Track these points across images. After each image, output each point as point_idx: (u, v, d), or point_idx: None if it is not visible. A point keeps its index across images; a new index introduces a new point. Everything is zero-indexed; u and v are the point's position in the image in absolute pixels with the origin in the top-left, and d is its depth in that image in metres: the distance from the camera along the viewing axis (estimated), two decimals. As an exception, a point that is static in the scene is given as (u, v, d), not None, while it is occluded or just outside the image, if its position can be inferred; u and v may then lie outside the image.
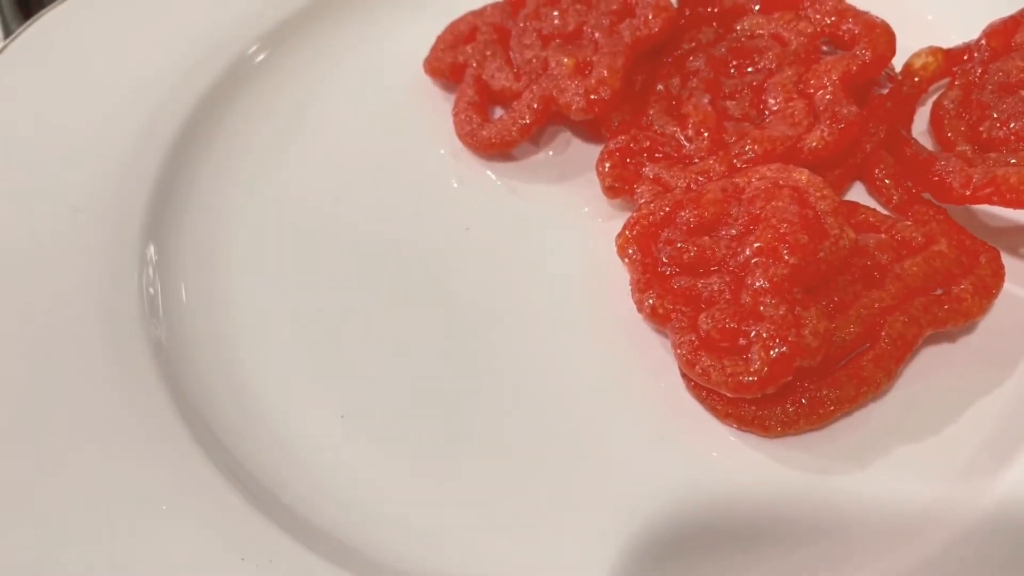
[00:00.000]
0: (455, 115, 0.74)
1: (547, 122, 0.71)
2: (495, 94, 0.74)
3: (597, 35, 0.70)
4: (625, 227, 0.62)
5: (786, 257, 0.55)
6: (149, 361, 0.59)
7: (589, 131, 0.74)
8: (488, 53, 0.75)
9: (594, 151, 0.69)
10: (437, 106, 0.77)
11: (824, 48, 0.70)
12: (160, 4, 0.79)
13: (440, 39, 0.78)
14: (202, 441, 0.56)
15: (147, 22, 0.78)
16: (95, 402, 0.57)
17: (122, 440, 0.55)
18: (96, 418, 0.56)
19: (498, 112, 0.75)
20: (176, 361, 0.60)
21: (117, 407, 0.57)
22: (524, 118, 0.70)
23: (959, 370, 0.59)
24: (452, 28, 0.78)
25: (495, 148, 0.71)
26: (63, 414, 0.56)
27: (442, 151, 0.74)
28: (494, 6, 0.78)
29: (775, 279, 0.55)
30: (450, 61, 0.76)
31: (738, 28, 0.71)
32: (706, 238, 0.60)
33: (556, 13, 0.73)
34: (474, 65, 0.75)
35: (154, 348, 0.60)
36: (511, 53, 0.74)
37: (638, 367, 0.61)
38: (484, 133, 0.72)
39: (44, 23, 0.76)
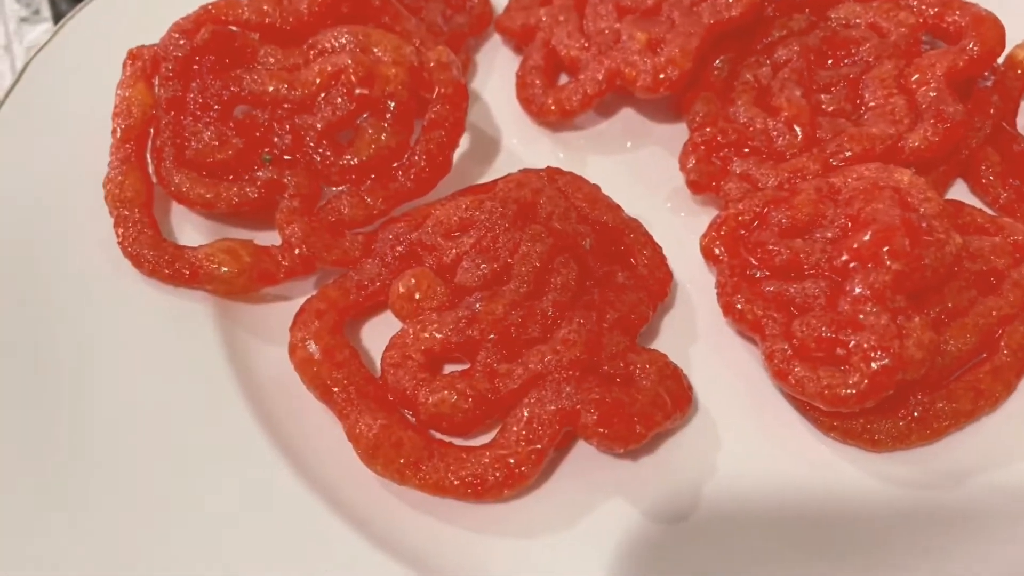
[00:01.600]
0: (518, 77, 0.72)
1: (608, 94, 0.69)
2: (562, 61, 0.72)
3: (675, 13, 0.67)
4: (712, 227, 0.60)
5: (888, 263, 0.52)
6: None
7: (672, 120, 0.71)
8: (562, 18, 0.72)
9: (678, 142, 0.66)
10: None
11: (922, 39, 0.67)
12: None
13: None
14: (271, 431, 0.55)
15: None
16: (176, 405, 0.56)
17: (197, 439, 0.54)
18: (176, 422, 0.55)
19: (564, 80, 0.73)
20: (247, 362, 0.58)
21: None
22: (587, 88, 0.68)
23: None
24: None
25: (554, 116, 0.69)
26: (148, 417, 0.55)
27: (515, 141, 0.72)
28: (577, -30, 0.76)
29: (876, 286, 0.52)
30: (521, 22, 0.74)
31: (833, 16, 0.68)
32: (799, 240, 0.56)
33: None
34: (545, 29, 0.73)
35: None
36: (585, 22, 0.71)
37: (722, 374, 0.58)
38: (545, 99, 0.70)
39: (99, 2, 0.74)
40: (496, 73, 0.76)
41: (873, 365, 0.50)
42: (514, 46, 0.77)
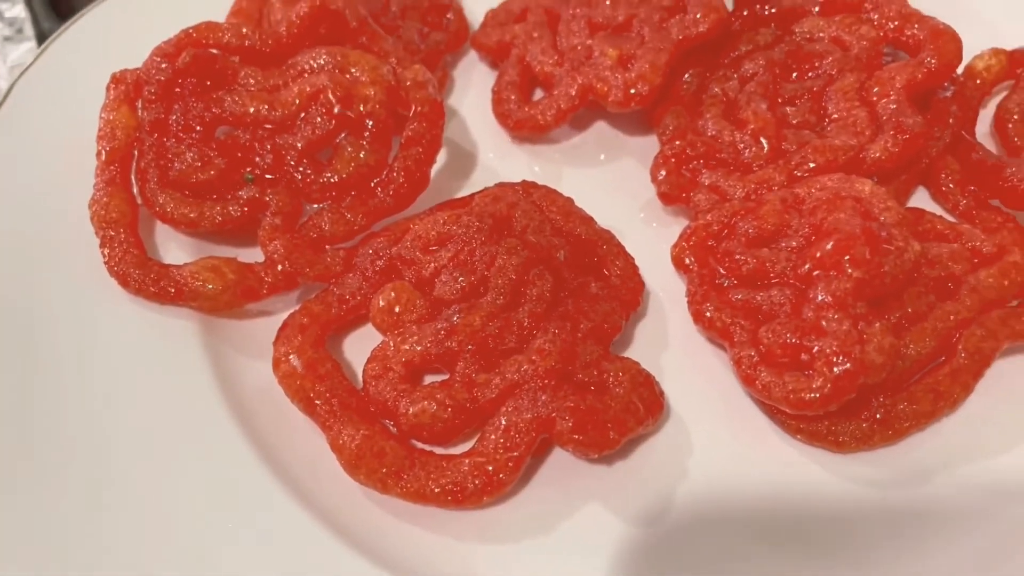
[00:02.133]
0: (494, 92, 0.74)
1: (581, 108, 0.71)
2: (536, 77, 0.74)
3: (645, 29, 0.69)
4: (682, 237, 0.62)
5: (849, 271, 0.54)
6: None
7: (644, 133, 0.73)
8: (536, 35, 0.74)
9: (651, 153, 0.68)
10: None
11: (885, 50, 0.69)
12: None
13: (492, 15, 0.79)
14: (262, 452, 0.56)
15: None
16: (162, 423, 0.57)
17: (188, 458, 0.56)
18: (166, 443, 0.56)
19: (539, 94, 0.75)
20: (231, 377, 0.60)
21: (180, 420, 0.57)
22: (561, 103, 0.70)
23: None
24: (505, 5, 0.79)
25: (528, 130, 0.71)
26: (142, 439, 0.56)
27: (491, 155, 0.73)
28: (549, -13, 0.78)
29: (838, 293, 0.54)
30: (497, 39, 0.76)
31: (797, 30, 0.70)
32: (765, 250, 0.58)
33: (608, 2, 0.72)
34: (519, 46, 0.75)
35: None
36: (558, 38, 0.73)
37: (694, 380, 0.59)
38: (519, 114, 0.72)
39: (83, 24, 0.75)
40: (473, 88, 0.78)
41: (835, 370, 0.52)
42: (490, 62, 0.79)
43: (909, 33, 0.66)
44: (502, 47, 0.76)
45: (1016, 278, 0.57)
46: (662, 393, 0.56)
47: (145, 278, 0.59)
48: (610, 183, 0.71)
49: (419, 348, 0.55)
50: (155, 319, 0.61)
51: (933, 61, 0.64)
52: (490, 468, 0.51)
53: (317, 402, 0.54)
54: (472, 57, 0.80)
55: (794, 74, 0.68)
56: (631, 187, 0.70)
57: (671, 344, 0.61)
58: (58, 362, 0.58)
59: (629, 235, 0.64)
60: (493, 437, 0.52)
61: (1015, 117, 0.67)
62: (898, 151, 0.61)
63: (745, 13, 0.72)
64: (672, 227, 0.66)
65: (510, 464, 0.51)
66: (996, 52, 0.70)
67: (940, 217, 0.62)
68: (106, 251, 0.60)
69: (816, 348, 0.53)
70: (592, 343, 0.55)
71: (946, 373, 0.54)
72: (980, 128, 0.69)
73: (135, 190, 0.63)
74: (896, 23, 0.67)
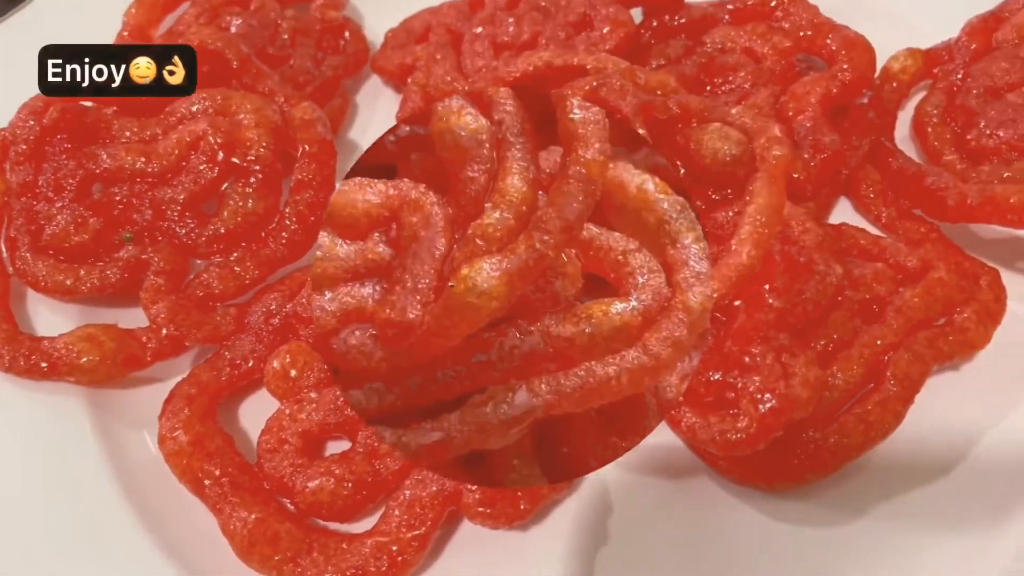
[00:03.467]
0: (398, 121, 0.69)
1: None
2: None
3: (551, 48, 0.65)
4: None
5: (770, 301, 0.51)
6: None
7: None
8: (438, 56, 0.71)
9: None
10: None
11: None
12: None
13: (392, 35, 0.75)
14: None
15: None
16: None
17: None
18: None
19: None
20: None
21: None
22: None
23: (964, 399, 0.55)
24: (406, 25, 0.75)
25: None
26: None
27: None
28: (451, 5, 0.74)
29: (760, 325, 0.51)
30: (398, 61, 0.73)
31: (708, 41, 0.67)
32: (684, 280, 0.55)
33: (511, 20, 0.69)
34: (422, 69, 0.71)
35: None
36: (463, 59, 0.70)
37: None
38: None
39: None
40: (378, 115, 0.74)
41: (760, 408, 0.49)
42: (394, 86, 0.75)
43: (822, 44, 0.64)
44: (404, 70, 0.72)
45: (941, 295, 0.54)
46: None
47: (15, 354, 0.54)
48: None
49: (316, 418, 0.51)
50: (35, 396, 0.56)
51: (847, 74, 0.61)
52: (394, 548, 0.47)
53: (206, 482, 0.50)
54: (376, 81, 0.76)
55: (708, 88, 0.65)
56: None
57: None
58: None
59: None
60: (396, 514, 0.48)
61: (934, 120, 0.65)
62: (816, 170, 0.59)
63: (655, 24, 0.69)
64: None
65: (414, 544, 0.47)
66: (911, 52, 0.68)
67: (863, 231, 0.59)
68: (-29, 328, 0.55)
69: (740, 385, 0.50)
70: None
71: (876, 402, 0.51)
72: (899, 131, 0.67)
73: (5, 258, 0.58)
74: (809, 32, 0.65)
